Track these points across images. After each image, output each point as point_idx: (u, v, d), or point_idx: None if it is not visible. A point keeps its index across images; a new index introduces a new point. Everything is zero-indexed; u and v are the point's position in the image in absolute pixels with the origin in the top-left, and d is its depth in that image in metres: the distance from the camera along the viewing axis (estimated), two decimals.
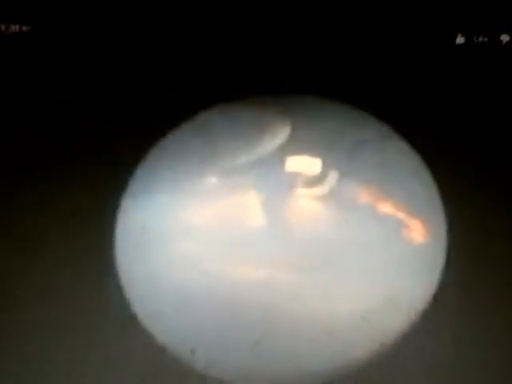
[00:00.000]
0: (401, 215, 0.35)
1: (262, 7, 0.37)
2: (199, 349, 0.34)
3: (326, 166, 0.35)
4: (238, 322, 0.34)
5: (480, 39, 0.37)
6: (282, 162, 0.35)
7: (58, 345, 0.35)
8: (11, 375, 0.35)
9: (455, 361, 0.37)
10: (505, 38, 0.37)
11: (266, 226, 0.34)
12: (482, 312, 0.37)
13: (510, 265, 0.38)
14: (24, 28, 0.37)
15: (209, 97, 0.38)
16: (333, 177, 0.35)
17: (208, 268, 0.34)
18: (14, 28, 0.37)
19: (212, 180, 0.35)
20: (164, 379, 0.36)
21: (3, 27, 0.37)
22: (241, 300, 0.34)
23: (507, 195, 0.37)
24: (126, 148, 0.37)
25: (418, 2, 0.36)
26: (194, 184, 0.35)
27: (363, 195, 0.35)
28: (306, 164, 0.35)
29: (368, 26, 0.36)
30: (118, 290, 0.35)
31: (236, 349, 0.34)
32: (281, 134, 0.35)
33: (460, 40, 0.37)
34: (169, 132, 0.37)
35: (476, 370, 0.37)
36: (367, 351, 0.35)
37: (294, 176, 0.35)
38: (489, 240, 0.37)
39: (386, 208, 0.35)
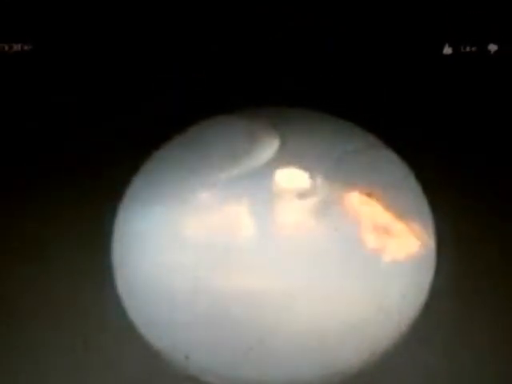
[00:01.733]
0: (390, 224, 0.36)
1: (262, 7, 0.38)
2: (193, 355, 0.35)
3: (315, 177, 0.36)
4: (232, 329, 0.35)
5: (468, 49, 0.37)
6: (272, 174, 0.36)
7: (57, 350, 0.36)
8: (10, 379, 0.36)
9: (447, 368, 0.37)
10: (493, 47, 0.37)
11: (257, 235, 0.35)
12: (473, 319, 0.37)
13: (500, 271, 0.38)
14: (26, 47, 0.39)
15: (209, 97, 0.39)
16: (322, 187, 0.35)
17: (201, 276, 0.35)
18: (17, 47, 0.39)
19: (205, 191, 0.36)
20: None
21: (6, 47, 0.39)
22: (234, 308, 0.35)
23: (497, 201, 0.37)
24: (123, 158, 0.38)
25: (404, 13, 0.36)
26: (188, 195, 0.36)
27: (352, 204, 0.36)
28: (295, 175, 0.36)
29: (352, 38, 0.36)
30: (116, 298, 0.36)
31: (229, 355, 0.35)
32: (270, 146, 0.36)
33: (447, 50, 0.37)
34: (169, 140, 0.38)
35: (469, 376, 0.37)
36: (359, 359, 0.35)
37: (284, 187, 0.36)
38: (479, 246, 0.37)
39: (376, 217, 0.36)
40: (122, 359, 0.36)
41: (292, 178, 0.36)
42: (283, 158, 0.36)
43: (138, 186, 0.37)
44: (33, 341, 0.36)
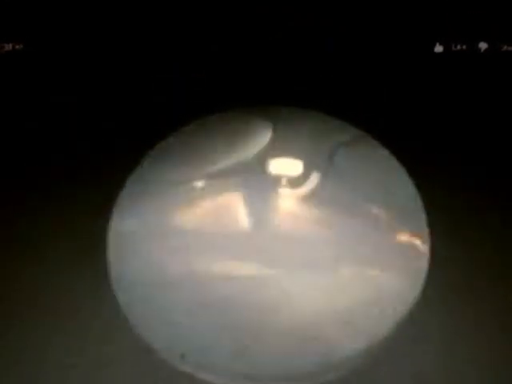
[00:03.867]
0: (383, 216, 0.36)
1: (262, 7, 0.38)
2: (189, 353, 0.35)
3: (307, 168, 0.36)
4: (228, 324, 0.34)
5: (458, 47, 0.38)
6: (265, 165, 0.36)
7: (53, 346, 0.36)
8: (10, 379, 0.35)
9: (443, 364, 0.37)
10: (483, 45, 0.38)
11: (250, 226, 0.35)
12: (468, 313, 0.37)
13: (497, 268, 0.38)
14: (17, 46, 0.39)
15: (209, 97, 0.39)
16: (314, 178, 0.36)
17: (196, 269, 0.34)
18: (8, 47, 0.39)
19: (199, 183, 0.36)
20: (154, 382, 0.36)
21: None
22: (229, 302, 0.34)
23: (490, 194, 0.37)
24: (119, 157, 0.38)
25: (395, 11, 0.37)
26: (183, 188, 0.36)
27: (345, 195, 0.36)
28: (288, 166, 0.36)
29: (345, 37, 0.37)
30: (110, 294, 0.35)
31: (225, 351, 0.34)
32: (263, 138, 0.36)
33: (438, 48, 0.38)
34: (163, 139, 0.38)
35: (466, 373, 0.37)
36: (355, 353, 0.35)
37: (277, 178, 0.36)
38: (473, 239, 0.37)
39: (368, 208, 0.36)
40: (117, 356, 0.35)
41: (285, 168, 0.36)
42: (276, 150, 0.36)
43: (133, 183, 0.37)
44: (32, 341, 0.36)
